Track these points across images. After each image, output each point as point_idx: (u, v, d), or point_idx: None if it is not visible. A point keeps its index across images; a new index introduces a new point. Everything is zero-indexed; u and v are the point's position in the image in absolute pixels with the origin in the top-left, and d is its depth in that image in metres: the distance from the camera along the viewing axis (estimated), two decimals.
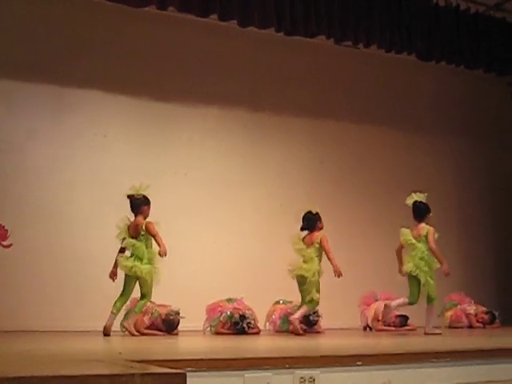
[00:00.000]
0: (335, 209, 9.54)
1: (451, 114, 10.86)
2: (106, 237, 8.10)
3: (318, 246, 7.26)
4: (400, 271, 7.59)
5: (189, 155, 8.92)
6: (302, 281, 7.25)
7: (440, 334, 7.08)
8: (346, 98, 9.99)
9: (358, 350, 4.52)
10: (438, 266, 7.36)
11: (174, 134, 8.90)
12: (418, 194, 7.75)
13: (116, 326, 7.13)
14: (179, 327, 7.27)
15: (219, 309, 7.60)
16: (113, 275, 6.87)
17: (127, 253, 6.86)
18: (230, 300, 7.75)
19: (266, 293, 8.30)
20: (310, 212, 7.48)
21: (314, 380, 3.64)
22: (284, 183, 9.27)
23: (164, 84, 8.83)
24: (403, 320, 8.29)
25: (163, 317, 7.21)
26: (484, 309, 9.33)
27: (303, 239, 7.41)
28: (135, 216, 6.87)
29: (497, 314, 9.28)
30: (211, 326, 7.55)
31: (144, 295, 6.81)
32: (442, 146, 10.71)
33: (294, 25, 8.19)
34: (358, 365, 3.79)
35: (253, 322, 7.42)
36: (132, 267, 6.67)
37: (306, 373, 3.63)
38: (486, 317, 9.21)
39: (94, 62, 8.41)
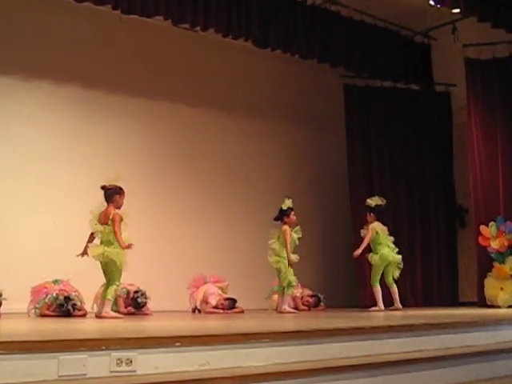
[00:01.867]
0: (166, 193, 9.56)
1: (287, 102, 11.15)
2: None
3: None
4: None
5: (17, 131, 8.58)
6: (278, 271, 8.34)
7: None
8: (182, 80, 9.99)
9: (178, 331, 4.53)
10: None
11: (3, 107, 8.51)
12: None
13: None
14: (2, 309, 6.99)
15: (44, 290, 7.41)
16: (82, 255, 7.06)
17: (97, 240, 7.02)
18: (56, 281, 7.58)
19: (96, 274, 8.16)
20: (281, 207, 8.47)
21: (131, 361, 3.62)
22: (116, 162, 9.10)
23: None
24: (231, 303, 8.41)
25: None
26: (310, 292, 9.63)
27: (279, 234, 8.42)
28: (107, 205, 7.03)
29: (322, 297, 9.60)
30: (36, 307, 7.35)
31: (113, 280, 6.89)
32: (277, 133, 10.97)
33: (131, 3, 8.06)
34: (176, 346, 3.80)
35: (79, 303, 7.26)
36: (103, 253, 6.83)
37: (123, 354, 3.60)
38: (311, 300, 9.52)
39: None
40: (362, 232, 9.29)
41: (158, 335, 4.03)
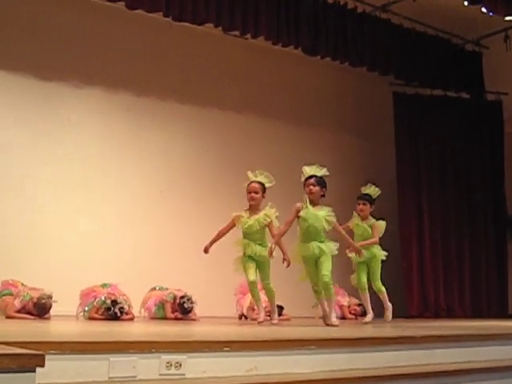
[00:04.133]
0: (217, 198, 9.58)
1: (336, 110, 11.10)
2: None
3: None
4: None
5: (67, 136, 8.71)
6: None
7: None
8: (231, 87, 10.03)
9: (227, 336, 4.54)
10: None
11: (54, 113, 8.65)
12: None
13: None
14: (52, 312, 7.11)
15: (93, 294, 7.49)
16: None
17: None
18: (104, 285, 7.66)
19: (144, 279, 8.25)
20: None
21: (180, 365, 3.63)
22: (165, 170, 9.22)
23: (47, 62, 8.58)
24: (278, 310, 8.36)
25: (35, 300, 7.05)
26: (356, 301, 9.55)
27: None
28: None
29: None
30: (85, 310, 7.43)
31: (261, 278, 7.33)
32: (326, 141, 10.91)
33: (183, 10, 8.15)
34: (225, 350, 3.81)
35: (126, 307, 7.32)
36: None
37: (173, 357, 3.61)
38: (358, 309, 9.43)
39: None
40: (354, 224, 8.40)
41: (207, 339, 4.04)
